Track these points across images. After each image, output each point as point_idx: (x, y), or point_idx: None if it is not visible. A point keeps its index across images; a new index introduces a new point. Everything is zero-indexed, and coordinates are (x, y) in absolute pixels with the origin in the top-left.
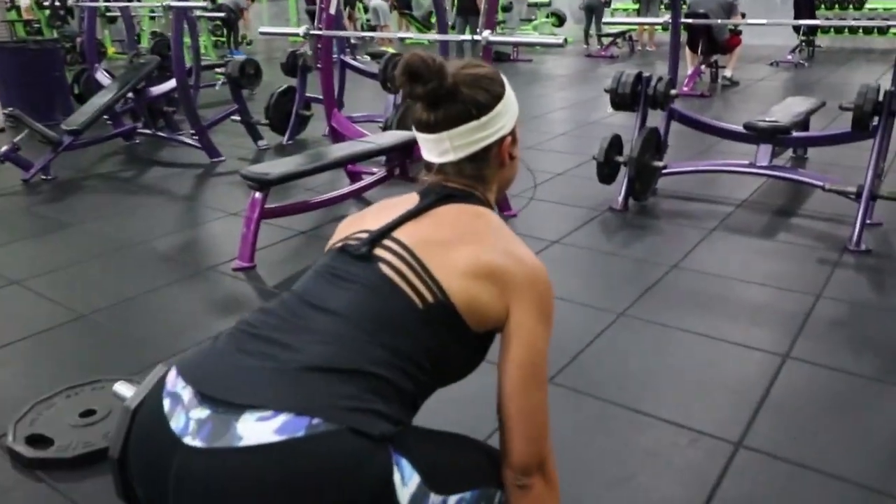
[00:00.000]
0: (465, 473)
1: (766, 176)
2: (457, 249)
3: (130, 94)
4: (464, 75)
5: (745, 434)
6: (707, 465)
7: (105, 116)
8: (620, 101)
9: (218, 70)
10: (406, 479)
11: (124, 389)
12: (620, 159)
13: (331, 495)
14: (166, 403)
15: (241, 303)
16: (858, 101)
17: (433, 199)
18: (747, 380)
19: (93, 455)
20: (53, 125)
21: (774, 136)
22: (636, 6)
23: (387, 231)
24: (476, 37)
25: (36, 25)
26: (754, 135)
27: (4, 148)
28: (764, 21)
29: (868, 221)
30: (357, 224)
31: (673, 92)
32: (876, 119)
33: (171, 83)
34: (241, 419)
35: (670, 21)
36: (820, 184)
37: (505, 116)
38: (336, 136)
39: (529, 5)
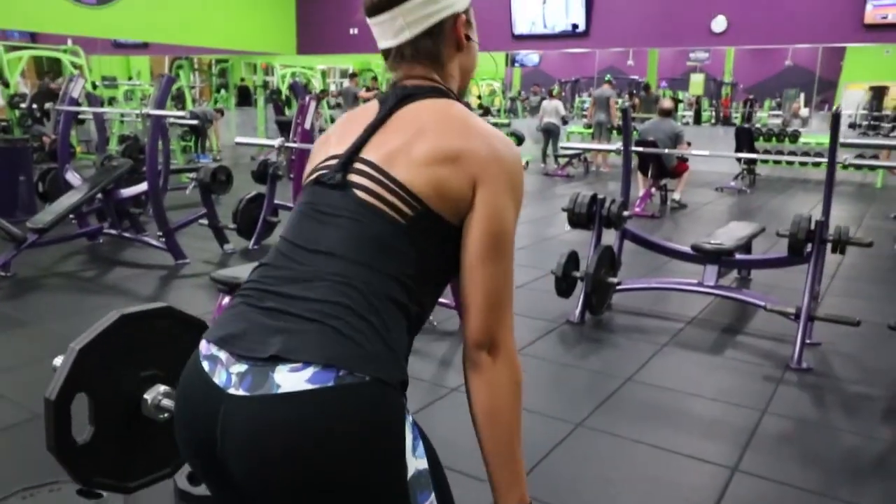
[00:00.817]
0: None
1: (713, 295)
2: (418, 145)
3: (99, 195)
4: None
5: None
6: None
7: (71, 215)
8: (577, 220)
9: (187, 174)
10: (416, 453)
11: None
12: (577, 274)
13: (354, 436)
14: (206, 365)
15: None
16: (793, 229)
17: (392, 102)
18: (699, 491)
19: None
20: (14, 222)
21: (719, 258)
22: (590, 131)
23: (354, 153)
24: None
25: (4, 124)
26: (701, 256)
27: None
28: (706, 152)
29: (808, 341)
30: (325, 148)
31: (626, 213)
32: (809, 246)
33: (142, 186)
34: (276, 370)
35: (622, 148)
36: (762, 304)
37: None
38: None
39: (492, 125)
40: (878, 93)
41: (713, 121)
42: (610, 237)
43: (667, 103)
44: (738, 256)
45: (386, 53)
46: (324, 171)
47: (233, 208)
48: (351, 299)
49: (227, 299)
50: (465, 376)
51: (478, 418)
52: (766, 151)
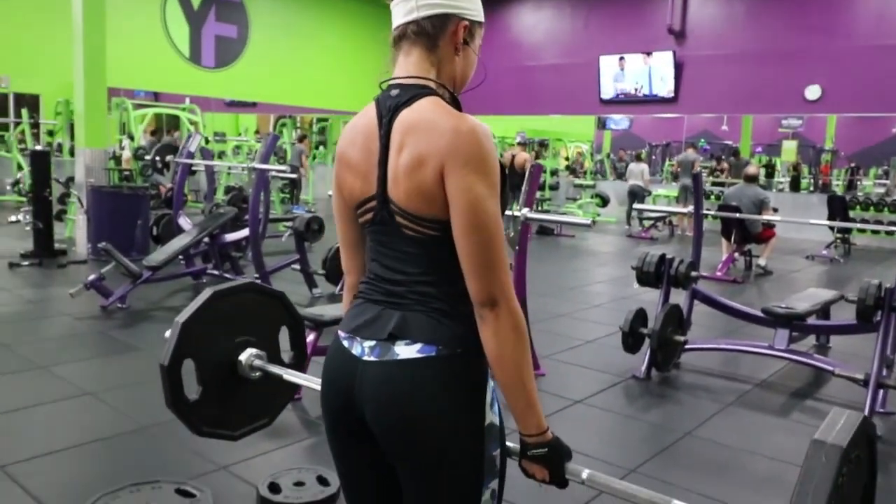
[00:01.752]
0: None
1: (780, 358)
2: (406, 174)
3: (206, 239)
4: None
5: None
6: None
7: (180, 256)
8: (645, 278)
9: (284, 223)
10: (493, 409)
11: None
12: (644, 331)
13: (449, 386)
14: (345, 343)
15: (286, 429)
16: (860, 295)
17: (388, 118)
18: None
19: None
20: (130, 260)
21: (790, 322)
22: (676, 194)
23: (384, 196)
24: (516, 213)
25: (126, 173)
26: (771, 319)
27: (92, 277)
28: (778, 217)
29: (881, 410)
30: (350, 175)
31: (693, 274)
32: (879, 313)
33: (243, 232)
34: (396, 344)
35: (694, 211)
36: (830, 368)
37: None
38: None
39: (575, 186)
40: None
41: (811, 188)
42: (683, 298)
43: (752, 169)
44: (810, 322)
45: (395, 36)
46: (372, 215)
47: (323, 256)
48: (430, 297)
49: (312, 335)
50: (480, 332)
51: (491, 362)
52: (864, 220)
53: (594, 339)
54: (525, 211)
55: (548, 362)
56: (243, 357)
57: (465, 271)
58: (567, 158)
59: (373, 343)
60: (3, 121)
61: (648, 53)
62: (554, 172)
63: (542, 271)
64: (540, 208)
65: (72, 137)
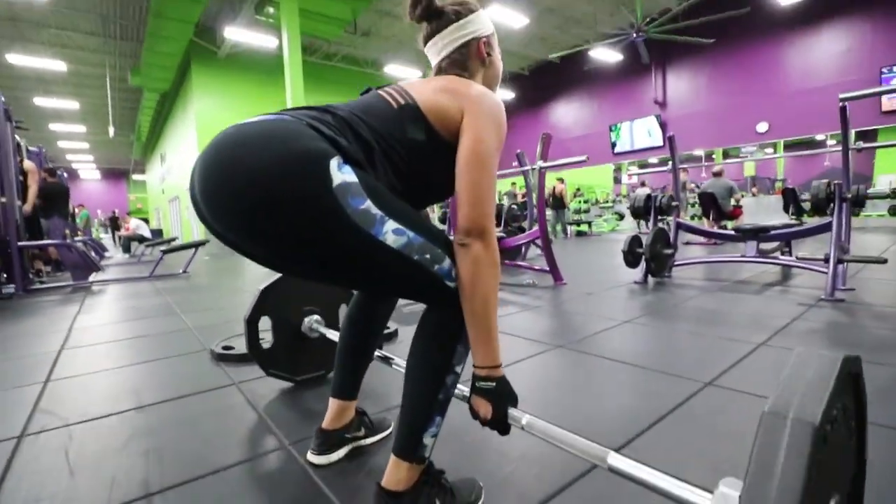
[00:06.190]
0: (416, 223)
1: (754, 262)
2: (432, 83)
3: None
4: (449, 1)
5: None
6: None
7: None
8: (636, 212)
9: None
10: (342, 169)
11: None
12: (640, 250)
13: (288, 144)
14: None
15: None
16: (814, 192)
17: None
18: (726, 357)
19: (245, 355)
20: None
21: (757, 234)
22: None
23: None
24: (534, 166)
25: None
26: (741, 234)
27: None
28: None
29: (841, 287)
30: None
31: (674, 203)
32: (831, 206)
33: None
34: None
35: (672, 170)
36: (793, 258)
37: (477, 23)
38: None
39: (600, 207)
40: None
41: None
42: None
43: (717, 168)
44: (773, 232)
45: (435, 72)
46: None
47: None
48: (350, 120)
49: None
50: (456, 258)
51: (463, 289)
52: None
53: (611, 269)
54: (539, 163)
55: (574, 284)
56: (307, 320)
57: (459, 201)
58: (597, 199)
59: None
60: None
61: (642, 118)
62: (587, 201)
63: (583, 253)
64: (579, 217)
65: None
